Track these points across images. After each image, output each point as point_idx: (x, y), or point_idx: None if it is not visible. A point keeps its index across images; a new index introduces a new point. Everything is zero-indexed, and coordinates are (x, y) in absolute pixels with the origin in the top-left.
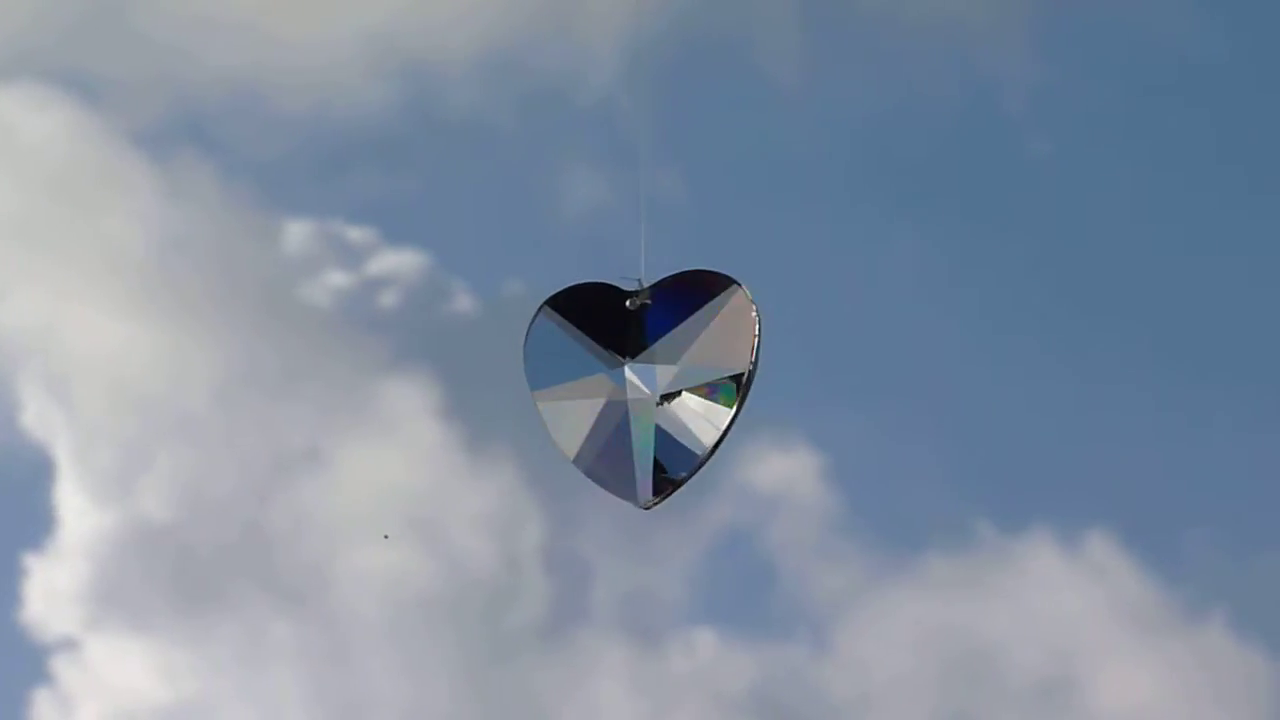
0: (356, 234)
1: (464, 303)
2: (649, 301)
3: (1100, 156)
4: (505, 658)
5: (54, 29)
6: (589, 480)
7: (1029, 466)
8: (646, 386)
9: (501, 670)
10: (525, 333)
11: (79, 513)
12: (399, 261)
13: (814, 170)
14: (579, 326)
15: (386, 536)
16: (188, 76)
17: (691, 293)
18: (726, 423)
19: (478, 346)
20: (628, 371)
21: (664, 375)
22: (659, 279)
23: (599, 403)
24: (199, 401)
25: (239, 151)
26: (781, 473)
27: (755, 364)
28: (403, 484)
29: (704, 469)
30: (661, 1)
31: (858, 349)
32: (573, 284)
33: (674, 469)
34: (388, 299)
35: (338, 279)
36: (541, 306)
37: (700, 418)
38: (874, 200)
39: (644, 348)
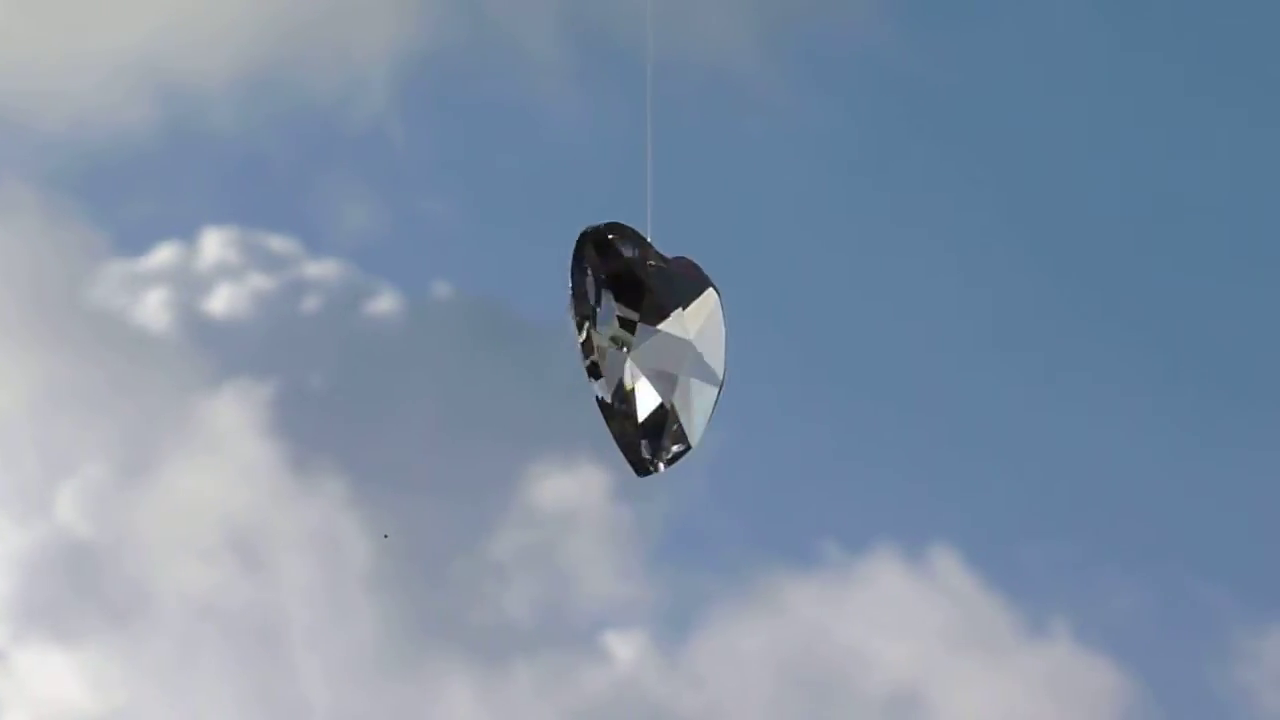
0: (127, 253)
1: (296, 318)
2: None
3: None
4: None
5: None
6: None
7: (871, 485)
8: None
9: (353, 686)
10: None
11: None
12: (215, 280)
13: (579, 189)
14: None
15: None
16: None
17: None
18: None
19: (306, 362)
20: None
21: None
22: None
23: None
24: (14, 419)
25: (10, 170)
26: (570, 491)
27: None
28: (226, 501)
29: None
30: (430, 21)
31: None
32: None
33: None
34: (210, 314)
35: (152, 296)
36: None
37: None
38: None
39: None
